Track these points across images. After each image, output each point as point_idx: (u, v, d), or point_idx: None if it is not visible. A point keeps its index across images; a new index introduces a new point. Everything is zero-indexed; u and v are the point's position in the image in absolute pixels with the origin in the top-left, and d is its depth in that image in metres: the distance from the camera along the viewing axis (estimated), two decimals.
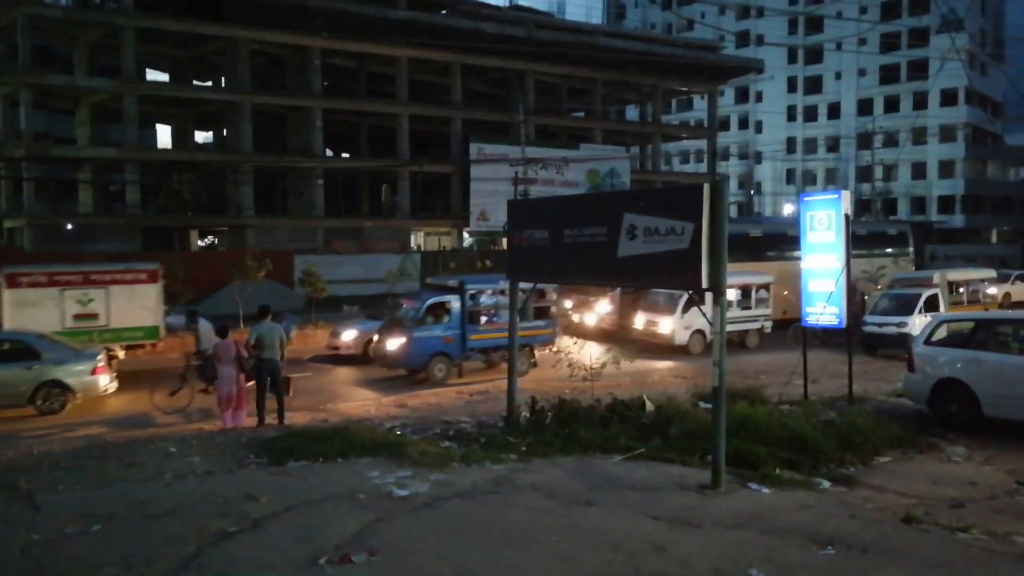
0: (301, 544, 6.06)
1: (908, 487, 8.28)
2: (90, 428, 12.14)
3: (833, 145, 68.58)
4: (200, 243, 43.93)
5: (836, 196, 12.27)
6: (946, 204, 63.45)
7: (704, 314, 19.01)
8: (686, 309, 18.90)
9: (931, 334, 11.76)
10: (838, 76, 68.76)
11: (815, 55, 69.50)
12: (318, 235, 37.32)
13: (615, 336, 20.87)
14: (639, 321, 20.25)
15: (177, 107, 40.65)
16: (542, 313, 17.24)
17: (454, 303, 16.04)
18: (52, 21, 33.30)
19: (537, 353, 17.05)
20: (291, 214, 39.74)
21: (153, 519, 6.72)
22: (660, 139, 51.46)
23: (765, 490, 7.71)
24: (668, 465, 8.57)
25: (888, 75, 65.35)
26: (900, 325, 18.43)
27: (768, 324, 20.78)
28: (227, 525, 6.47)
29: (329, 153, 43.30)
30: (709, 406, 9.67)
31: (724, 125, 68.27)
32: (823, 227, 12.07)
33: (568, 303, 22.44)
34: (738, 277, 20.04)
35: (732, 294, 19.38)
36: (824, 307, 12.04)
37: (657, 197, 9.62)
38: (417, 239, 43.66)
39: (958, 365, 10.90)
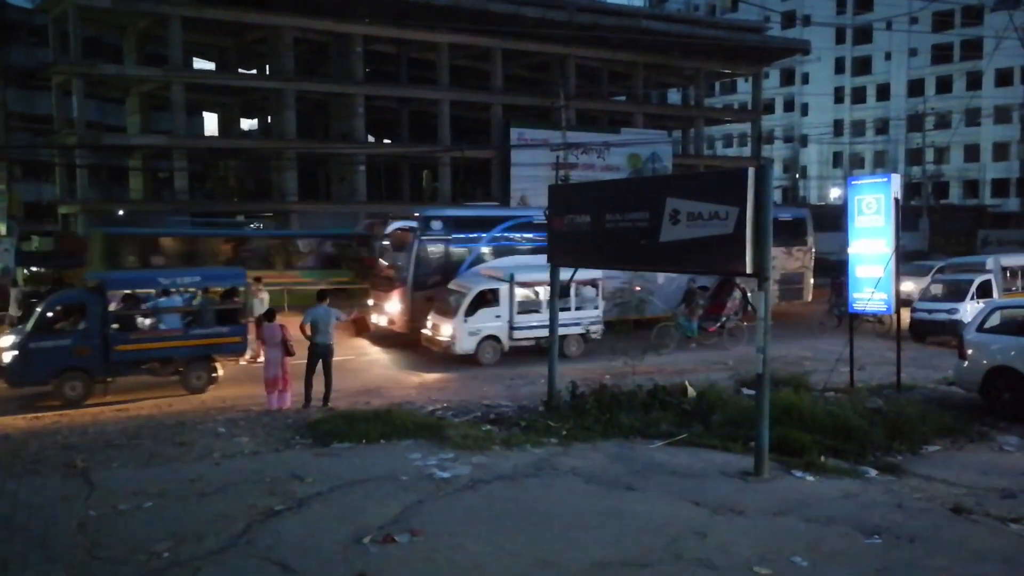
0: (345, 523, 6.18)
1: (958, 476, 8.11)
2: None
3: (882, 127, 66.74)
4: None
5: (885, 180, 11.99)
6: (1000, 187, 61.43)
7: (500, 315, 16.23)
8: (472, 311, 15.87)
9: (984, 321, 11.46)
10: (888, 56, 66.82)
11: (864, 35, 67.58)
12: (360, 220, 37.68)
13: (405, 342, 17.95)
14: (428, 324, 16.88)
15: (223, 95, 41.28)
16: (228, 317, 14.05)
17: (91, 305, 12.98)
18: (101, 11, 34.00)
19: (221, 367, 13.99)
20: (334, 199, 40.14)
21: (203, 497, 6.91)
22: (703, 123, 50.68)
23: (809, 478, 7.62)
24: (710, 451, 8.52)
25: (940, 55, 63.30)
26: (951, 312, 17.96)
27: (597, 328, 17.10)
28: (274, 504, 6.63)
29: (371, 139, 43.60)
30: (752, 393, 9.58)
31: (769, 108, 66.85)
32: (871, 211, 11.80)
33: (369, 301, 19.57)
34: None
35: (543, 292, 16.32)
36: (872, 293, 11.79)
37: (700, 181, 9.50)
38: None
39: (1012, 352, 10.61)
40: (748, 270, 7.45)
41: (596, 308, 17.25)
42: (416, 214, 19.20)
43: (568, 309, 16.51)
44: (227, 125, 44.72)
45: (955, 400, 11.39)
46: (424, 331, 16.93)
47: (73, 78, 33.08)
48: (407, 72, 43.09)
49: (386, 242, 19.75)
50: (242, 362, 14.81)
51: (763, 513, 6.58)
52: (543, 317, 16.19)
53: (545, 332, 16.15)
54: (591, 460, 8.11)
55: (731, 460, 8.14)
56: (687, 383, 11.12)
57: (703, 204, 7.82)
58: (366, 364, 16.52)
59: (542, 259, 19.07)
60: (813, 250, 23.23)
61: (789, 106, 72.84)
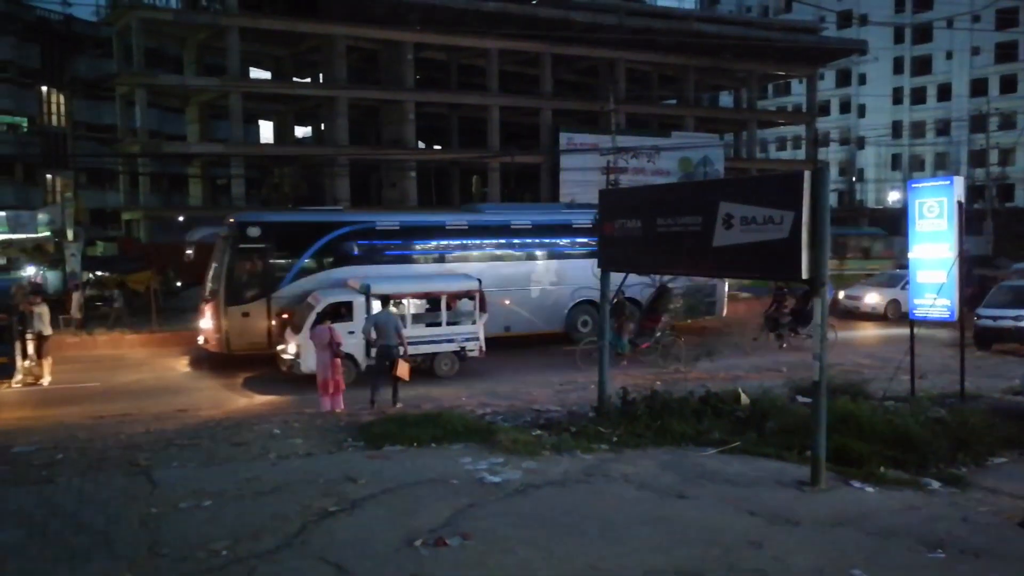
0: (397, 526, 6.24)
1: None
2: None
3: (943, 128, 64.82)
4: None
5: (948, 182, 11.61)
6: None
7: (355, 331, 14.13)
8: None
9: None
10: (949, 55, 64.92)
11: (924, 34, 65.74)
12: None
13: (242, 360, 16.00)
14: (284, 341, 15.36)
15: (278, 103, 42.20)
16: None
17: None
18: (163, 24, 35.14)
19: None
20: (385, 205, 40.61)
21: (259, 496, 7.04)
22: (755, 125, 49.89)
23: (869, 489, 7.42)
24: (764, 460, 8.35)
25: (1004, 53, 61.26)
26: (1017, 319, 17.32)
27: (475, 344, 15.45)
28: (328, 504, 6.72)
29: (421, 145, 44.05)
30: (808, 400, 9.37)
31: (824, 109, 65.49)
32: (933, 215, 11.44)
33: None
34: (419, 283, 15.81)
35: (412, 305, 15.11)
36: (935, 299, 11.44)
37: (755, 185, 9.35)
38: None
39: None
40: (804, 275, 7.30)
41: (474, 323, 15.55)
42: (230, 220, 17.45)
43: (439, 324, 15.13)
44: (282, 133, 45.70)
45: (1023, 410, 10.97)
46: (279, 347, 15.45)
47: (136, 88, 34.18)
48: (457, 78, 43.43)
49: (189, 251, 18.20)
50: (15, 385, 13.04)
51: (820, 524, 6.43)
52: (410, 333, 14.49)
53: (411, 349, 14.48)
54: (642, 467, 8.03)
55: (786, 469, 7.98)
56: (740, 390, 10.94)
57: (757, 208, 7.69)
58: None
59: (406, 269, 17.19)
60: None
61: (845, 107, 71.27)
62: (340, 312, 14.56)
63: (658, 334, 16.15)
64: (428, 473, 7.69)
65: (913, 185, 12.31)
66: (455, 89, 42.57)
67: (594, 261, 18.26)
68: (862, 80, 69.56)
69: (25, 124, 44.50)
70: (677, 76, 46.75)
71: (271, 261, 16.61)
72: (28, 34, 43.43)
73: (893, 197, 62.02)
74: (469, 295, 15.49)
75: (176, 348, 19.12)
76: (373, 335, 12.42)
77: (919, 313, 11.91)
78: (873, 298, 23.30)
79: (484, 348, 15.53)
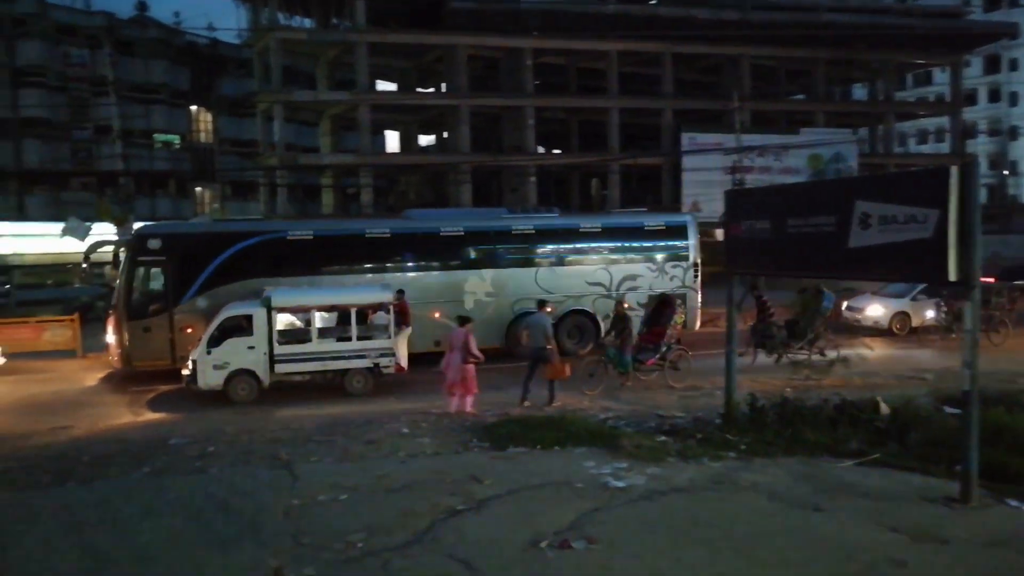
0: (523, 526, 6.32)
1: None
2: None
3: None
4: None
5: None
6: None
7: (255, 346, 13.35)
8: (217, 341, 13.49)
9: None
10: None
11: None
12: None
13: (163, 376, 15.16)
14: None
15: (403, 113, 43.70)
16: None
17: None
18: (298, 43, 37.19)
19: None
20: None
21: (391, 493, 7.32)
22: (893, 119, 47.10)
23: None
24: (907, 474, 7.88)
25: None
26: None
27: (389, 360, 14.24)
28: (455, 503, 6.90)
29: (541, 150, 44.38)
30: (956, 411, 8.77)
31: (970, 99, 60.92)
32: None
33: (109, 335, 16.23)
34: (327, 295, 14.92)
35: (319, 318, 14.17)
36: None
37: (895, 182, 8.84)
38: None
39: None
40: (952, 277, 6.86)
41: (389, 337, 14.35)
42: (133, 231, 17.03)
43: (349, 338, 13.99)
44: (407, 142, 47.27)
45: None
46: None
47: (274, 105, 36.34)
48: (576, 82, 43.48)
49: (84, 265, 18.28)
50: None
51: (972, 544, 6.01)
52: (317, 347, 13.97)
53: (319, 365, 14.03)
54: (773, 476, 7.76)
55: (932, 484, 7.49)
56: (879, 399, 10.36)
57: (898, 207, 7.29)
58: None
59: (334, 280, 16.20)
60: (698, 264, 18.56)
61: (995, 96, 65.99)
62: (241, 326, 13.89)
63: (664, 348, 14.60)
64: (552, 475, 7.74)
65: None
66: (574, 93, 42.62)
67: (537, 270, 17.95)
68: (1013, 66, 64.18)
69: (177, 141, 48.27)
70: (805, 70, 44.88)
71: (174, 274, 15.92)
72: (179, 58, 47.11)
73: None
74: (382, 307, 14.32)
75: None
76: (525, 338, 12.73)
77: None
78: (876, 310, 19.95)
79: (404, 364, 14.48)
